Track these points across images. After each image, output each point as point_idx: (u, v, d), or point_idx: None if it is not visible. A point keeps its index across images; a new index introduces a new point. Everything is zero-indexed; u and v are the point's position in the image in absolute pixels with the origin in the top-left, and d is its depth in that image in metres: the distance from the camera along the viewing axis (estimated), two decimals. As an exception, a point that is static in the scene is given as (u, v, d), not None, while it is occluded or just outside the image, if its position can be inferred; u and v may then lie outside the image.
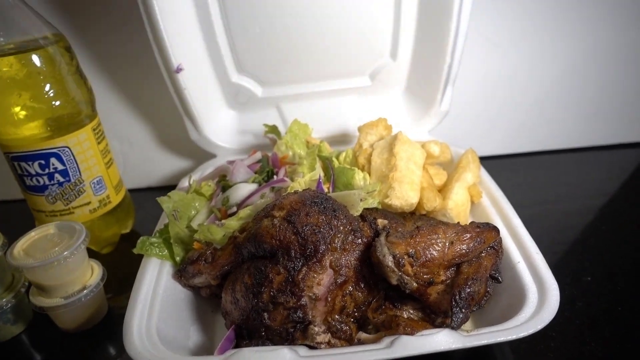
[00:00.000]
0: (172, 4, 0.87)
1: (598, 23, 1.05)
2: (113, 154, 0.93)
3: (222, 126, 1.07)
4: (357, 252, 0.63)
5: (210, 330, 0.70)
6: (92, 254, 0.91)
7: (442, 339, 0.55)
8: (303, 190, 0.71)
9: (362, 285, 0.62)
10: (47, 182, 0.81)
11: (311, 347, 0.59)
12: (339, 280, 0.60)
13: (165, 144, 1.16)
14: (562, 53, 1.09)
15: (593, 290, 0.77)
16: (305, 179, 0.79)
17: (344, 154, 0.92)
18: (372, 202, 0.76)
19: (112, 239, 0.95)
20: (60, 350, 0.73)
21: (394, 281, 0.59)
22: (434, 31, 0.94)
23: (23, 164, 0.79)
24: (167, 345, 0.60)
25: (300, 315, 0.58)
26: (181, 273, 0.71)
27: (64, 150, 0.80)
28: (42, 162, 0.79)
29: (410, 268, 0.59)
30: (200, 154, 1.10)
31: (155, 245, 0.74)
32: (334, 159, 0.89)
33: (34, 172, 0.80)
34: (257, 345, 0.59)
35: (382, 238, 0.61)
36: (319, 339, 0.58)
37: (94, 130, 0.84)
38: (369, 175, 0.84)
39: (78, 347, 0.73)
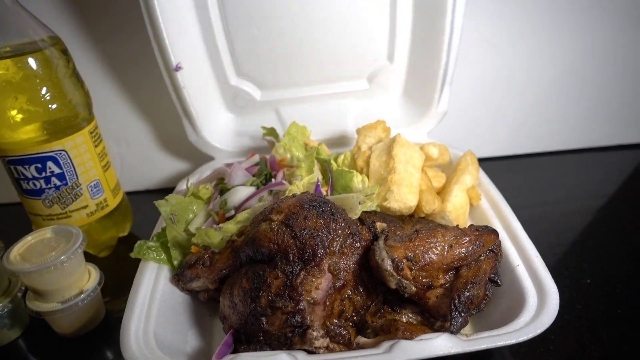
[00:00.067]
0: (173, 4, 0.88)
1: (596, 24, 1.05)
2: (110, 156, 0.93)
3: (220, 128, 1.07)
4: (355, 255, 0.62)
5: (208, 334, 0.70)
6: (89, 257, 0.91)
7: (441, 344, 0.55)
8: (301, 193, 0.70)
9: (361, 289, 0.62)
10: (43, 186, 0.80)
11: (310, 352, 0.58)
12: (337, 285, 0.60)
13: (163, 146, 1.16)
14: (560, 54, 1.09)
15: (592, 292, 0.77)
16: (303, 181, 0.79)
17: (342, 157, 0.92)
18: (371, 205, 0.76)
19: (110, 243, 0.95)
20: (57, 355, 0.73)
21: (392, 285, 0.59)
22: (429, 32, 0.95)
23: (19, 167, 0.79)
24: (165, 350, 0.59)
25: (299, 319, 0.57)
26: (179, 277, 0.71)
27: (60, 153, 0.79)
28: (39, 165, 0.78)
29: (409, 272, 0.59)
30: (198, 157, 1.09)
31: (153, 249, 0.74)
32: (333, 161, 0.89)
33: (30, 176, 0.79)
34: (255, 350, 0.59)
35: (381, 242, 0.60)
36: (318, 343, 0.58)
37: (91, 133, 0.84)
38: (368, 178, 0.83)
39: (75, 352, 0.73)
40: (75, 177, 0.82)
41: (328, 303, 0.59)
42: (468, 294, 0.59)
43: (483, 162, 0.98)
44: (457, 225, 0.70)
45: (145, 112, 1.10)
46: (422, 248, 0.60)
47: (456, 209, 0.80)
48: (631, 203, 1.03)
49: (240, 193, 0.80)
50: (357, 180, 0.81)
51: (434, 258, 0.60)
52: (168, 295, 0.69)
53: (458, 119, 1.14)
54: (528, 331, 0.56)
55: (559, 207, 1.03)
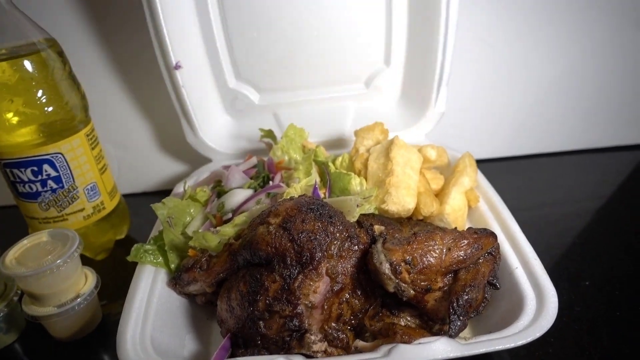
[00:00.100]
0: (175, 4, 0.89)
1: (594, 24, 1.05)
2: (107, 158, 0.92)
3: (218, 130, 1.08)
4: (353, 259, 0.62)
5: (206, 338, 0.69)
6: (86, 260, 0.91)
7: (440, 347, 0.54)
8: (299, 196, 0.70)
9: (359, 293, 0.62)
10: (40, 189, 0.80)
11: (307, 356, 0.58)
12: (335, 288, 0.60)
13: (160, 149, 1.15)
14: (558, 55, 1.09)
15: (591, 294, 0.77)
16: (301, 184, 0.78)
17: (340, 159, 0.92)
18: (369, 208, 0.76)
19: (107, 245, 0.94)
20: (54, 360, 0.73)
21: (391, 289, 0.59)
22: (424, 33, 0.95)
23: (15, 170, 0.78)
24: (162, 354, 0.59)
25: (297, 323, 0.57)
26: (176, 281, 0.71)
27: (57, 156, 0.79)
28: (35, 168, 0.78)
29: (407, 275, 0.59)
30: (195, 159, 1.09)
31: (150, 252, 0.73)
32: (330, 163, 0.89)
33: (26, 179, 0.79)
34: (253, 354, 0.58)
35: (379, 245, 0.60)
36: (316, 347, 0.58)
37: (88, 136, 0.84)
38: (366, 180, 0.83)
39: (71, 356, 0.72)
40: (71, 180, 0.82)
41: (326, 307, 0.59)
42: (467, 297, 0.58)
43: (481, 163, 0.98)
44: (456, 228, 0.70)
45: (142, 115, 1.10)
46: (420, 251, 0.60)
47: (454, 211, 0.80)
48: (630, 204, 1.03)
49: (238, 196, 0.80)
50: (355, 182, 0.81)
51: (433, 261, 0.60)
52: (165, 299, 0.69)
53: (456, 121, 1.14)
54: (527, 334, 0.56)
55: (557, 209, 1.03)
